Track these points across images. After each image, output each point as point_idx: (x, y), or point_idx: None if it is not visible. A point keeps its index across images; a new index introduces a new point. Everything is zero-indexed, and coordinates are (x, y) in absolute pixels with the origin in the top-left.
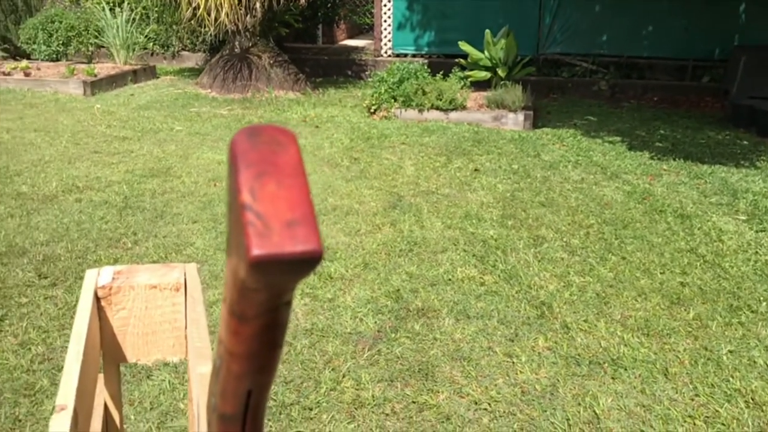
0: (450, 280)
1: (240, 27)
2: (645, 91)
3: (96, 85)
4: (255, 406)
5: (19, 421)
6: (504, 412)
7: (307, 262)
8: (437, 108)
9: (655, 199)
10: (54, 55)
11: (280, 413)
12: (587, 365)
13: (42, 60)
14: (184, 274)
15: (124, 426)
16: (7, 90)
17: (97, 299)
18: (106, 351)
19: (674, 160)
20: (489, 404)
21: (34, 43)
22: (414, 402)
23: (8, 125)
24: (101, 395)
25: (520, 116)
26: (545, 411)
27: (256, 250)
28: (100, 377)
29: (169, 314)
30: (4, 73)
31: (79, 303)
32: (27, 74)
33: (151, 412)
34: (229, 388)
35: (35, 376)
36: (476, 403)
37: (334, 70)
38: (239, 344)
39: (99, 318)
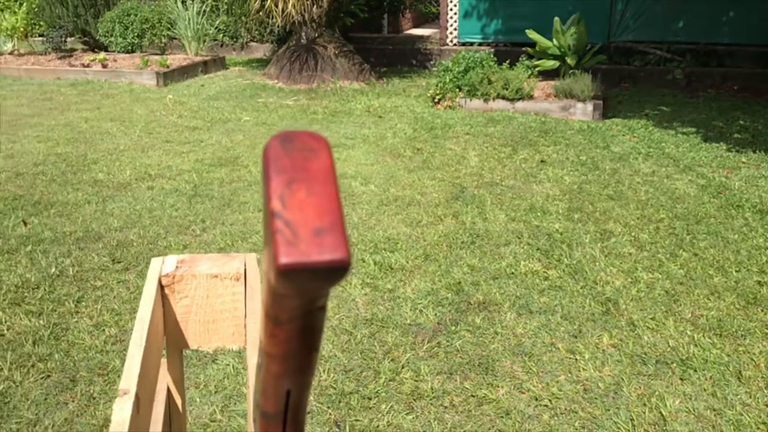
0: (513, 273)
1: (306, 18)
2: (724, 80)
3: (168, 76)
4: (295, 405)
5: (94, 398)
6: (565, 409)
7: (334, 271)
8: (503, 97)
9: (732, 193)
10: (129, 47)
11: (340, 401)
12: (654, 365)
13: (118, 52)
14: (244, 264)
15: (189, 408)
16: (86, 81)
17: (161, 287)
18: (170, 337)
19: (754, 152)
20: (550, 401)
21: (111, 35)
22: (473, 396)
23: (87, 115)
24: (164, 380)
25: (589, 106)
26: (608, 410)
27: (284, 259)
28: (164, 362)
29: (230, 303)
30: (83, 65)
31: (144, 290)
32: (104, 66)
33: (216, 396)
34: (269, 387)
35: (108, 356)
36: (537, 399)
37: (398, 59)
38: (275, 346)
39: (163, 305)
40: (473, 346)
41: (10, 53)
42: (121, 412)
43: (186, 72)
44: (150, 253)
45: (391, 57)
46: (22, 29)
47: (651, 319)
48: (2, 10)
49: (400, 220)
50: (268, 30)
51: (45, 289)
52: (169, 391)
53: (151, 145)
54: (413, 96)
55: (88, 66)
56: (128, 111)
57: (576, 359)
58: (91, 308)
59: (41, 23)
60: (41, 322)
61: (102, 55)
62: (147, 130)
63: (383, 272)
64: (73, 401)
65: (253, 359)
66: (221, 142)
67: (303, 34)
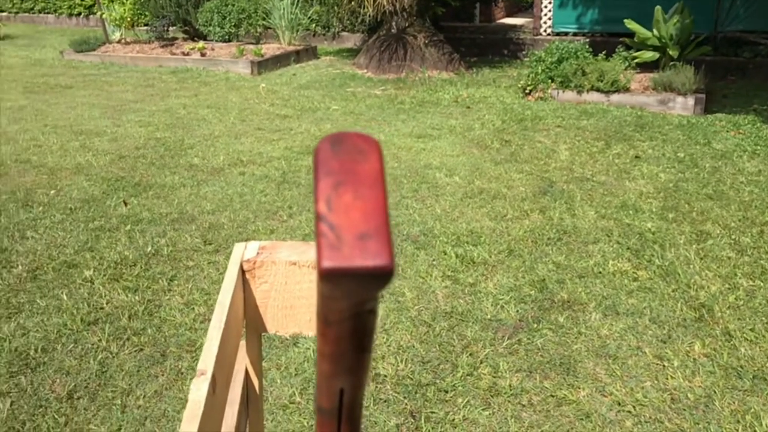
0: (600, 272)
1: (397, 7)
2: None
3: (262, 65)
4: (349, 403)
5: (181, 373)
6: (650, 417)
7: (377, 277)
8: (597, 90)
9: None
10: (227, 36)
11: (416, 392)
12: (750, 379)
13: (216, 41)
14: None
15: (270, 389)
16: (186, 69)
17: (242, 271)
18: (249, 321)
19: None
20: (633, 407)
21: (210, 25)
22: (553, 396)
23: (185, 101)
24: (243, 362)
25: (690, 100)
26: (697, 423)
27: (326, 263)
28: (242, 345)
29: (307, 290)
30: (183, 53)
31: (225, 274)
32: (203, 54)
33: (296, 378)
34: (323, 384)
35: (197, 334)
36: (619, 404)
37: (489, 49)
38: (325, 345)
39: (243, 289)
40: (555, 345)
41: (118, 42)
42: (198, 392)
43: (279, 61)
44: (239, 236)
45: (482, 47)
46: (128, 19)
47: (750, 330)
48: (112, 1)
49: (485, 213)
50: (359, 20)
51: (141, 267)
52: (247, 373)
53: (243, 132)
54: (503, 87)
55: (187, 54)
56: (223, 98)
57: (664, 366)
58: (183, 287)
59: (146, 13)
60: (137, 297)
61: (201, 44)
62: (240, 118)
63: (465, 265)
64: (162, 375)
65: None
66: (310, 131)
67: (393, 23)
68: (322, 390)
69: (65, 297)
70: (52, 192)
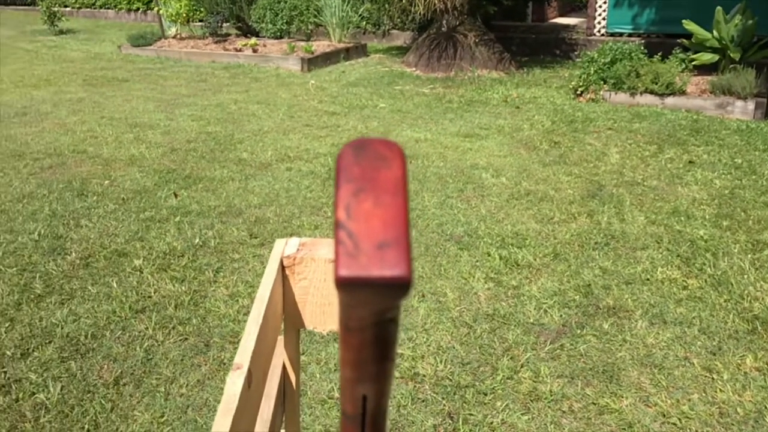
0: (648, 279)
1: (448, 5)
2: None
3: (312, 62)
4: (373, 410)
5: (224, 364)
6: (696, 431)
7: (394, 287)
8: (651, 92)
9: None
10: (278, 33)
11: (454, 393)
12: None
13: (268, 38)
14: None
15: (309, 384)
16: (238, 65)
17: (282, 267)
18: (288, 316)
19: None
20: (679, 419)
21: (262, 21)
22: (594, 403)
23: (236, 97)
24: (281, 357)
25: (750, 104)
26: None
27: (342, 271)
28: (280, 340)
29: None
30: (236, 49)
31: (266, 269)
32: (255, 50)
33: (335, 373)
34: (346, 390)
35: (239, 326)
36: (664, 416)
37: (541, 49)
38: (347, 352)
39: (282, 285)
40: (599, 352)
41: (173, 37)
42: (233, 386)
43: (329, 58)
44: (284, 230)
45: (534, 46)
46: (184, 15)
47: None
48: None
49: (531, 215)
50: (409, 18)
51: (189, 258)
52: (284, 368)
53: (292, 128)
54: (554, 87)
55: (240, 50)
56: (273, 95)
57: (713, 378)
58: (228, 279)
59: (201, 9)
60: (183, 288)
61: (253, 40)
62: (289, 114)
63: (509, 268)
64: (205, 364)
65: None
66: (357, 128)
67: (444, 22)
68: (346, 396)
69: (115, 285)
70: (106, 182)
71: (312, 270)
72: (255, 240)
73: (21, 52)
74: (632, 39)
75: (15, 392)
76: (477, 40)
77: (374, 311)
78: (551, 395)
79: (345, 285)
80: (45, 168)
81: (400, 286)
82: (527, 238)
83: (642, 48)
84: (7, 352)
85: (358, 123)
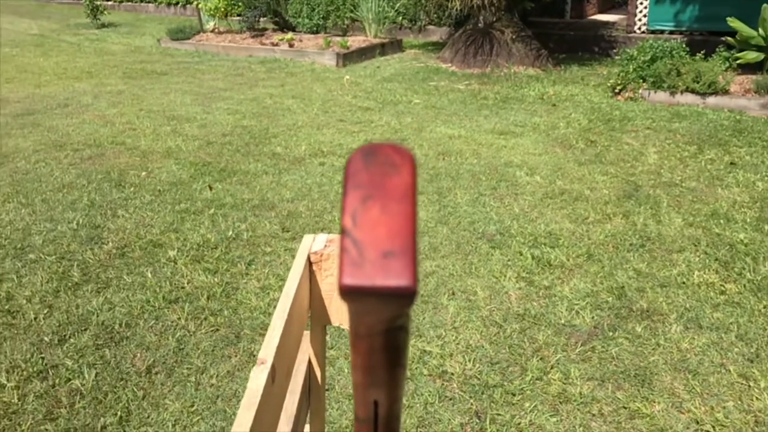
0: (684, 283)
1: (485, 1)
2: None
3: (347, 57)
4: (385, 415)
5: (253, 356)
6: None
7: (398, 297)
8: (692, 91)
9: None
10: (314, 28)
11: (482, 393)
12: None
13: (304, 32)
14: None
15: (337, 378)
16: (274, 59)
17: (309, 263)
18: (314, 312)
19: None
20: (713, 427)
21: (299, 16)
22: (625, 407)
23: (272, 91)
24: (306, 352)
25: None
26: None
27: (346, 279)
28: (306, 335)
29: None
30: (272, 44)
31: (293, 265)
32: (291, 45)
33: None
34: (357, 394)
35: (270, 318)
36: (697, 423)
37: (579, 46)
38: (357, 357)
39: (309, 281)
40: (631, 355)
41: (211, 31)
42: (256, 380)
43: (364, 53)
44: (316, 225)
45: (572, 43)
46: (222, 9)
47: None
48: None
49: (565, 215)
50: (446, 13)
51: (222, 250)
52: (310, 363)
53: (325, 123)
54: (592, 85)
55: (276, 45)
56: (308, 89)
57: (749, 386)
58: (260, 272)
59: (239, 4)
60: (216, 279)
61: (289, 35)
62: (323, 109)
63: (541, 268)
64: (235, 356)
65: None
66: (390, 124)
67: (481, 17)
68: (357, 400)
69: (150, 275)
70: (143, 174)
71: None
72: (287, 234)
73: (64, 44)
74: (674, 36)
75: (52, 378)
76: (514, 37)
77: (381, 319)
78: (581, 397)
79: (349, 294)
80: (85, 159)
81: (405, 297)
82: (560, 238)
83: (684, 46)
84: (45, 338)
85: (392, 119)
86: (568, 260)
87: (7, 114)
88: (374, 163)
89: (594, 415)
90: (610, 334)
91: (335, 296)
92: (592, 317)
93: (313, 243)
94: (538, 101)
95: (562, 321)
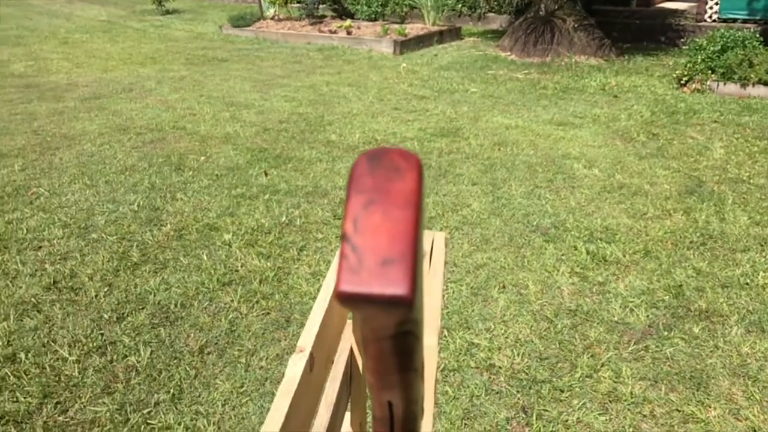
0: (747, 284)
1: None
2: None
3: (405, 45)
4: (401, 416)
5: None
6: None
7: (395, 305)
8: (765, 83)
9: None
10: (372, 15)
11: (530, 388)
12: None
13: (362, 20)
14: (432, 242)
15: None
16: (332, 47)
17: None
18: None
19: None
20: None
21: (357, 3)
22: (678, 410)
23: (328, 79)
24: (348, 341)
25: None
26: None
27: (342, 286)
28: (349, 323)
29: None
30: (330, 31)
31: (336, 254)
32: (349, 33)
33: None
34: (372, 394)
35: None
36: (755, 431)
37: (645, 35)
38: (367, 359)
39: None
40: (686, 356)
41: (271, 18)
42: (294, 368)
43: (421, 41)
44: None
45: (637, 32)
46: None
47: None
48: None
49: (623, 209)
50: (506, 1)
51: (275, 235)
52: (352, 352)
53: (380, 111)
54: (656, 76)
55: (334, 32)
56: (364, 77)
57: None
58: (311, 258)
59: None
60: (268, 264)
61: (348, 22)
62: (379, 97)
63: (596, 263)
64: (285, 339)
65: (426, 338)
66: (446, 113)
67: (542, 5)
68: (373, 400)
69: (205, 257)
70: (202, 158)
71: None
72: (338, 221)
73: (131, 31)
74: (747, 26)
75: (110, 354)
76: (576, 25)
77: (386, 325)
78: (632, 397)
79: (346, 301)
80: (147, 142)
81: (401, 305)
82: (617, 233)
83: (758, 36)
84: (105, 316)
85: (448, 107)
86: (625, 256)
87: (76, 98)
88: (379, 168)
89: (645, 416)
90: (666, 333)
91: None
92: (647, 316)
93: None
94: (599, 92)
95: (616, 318)
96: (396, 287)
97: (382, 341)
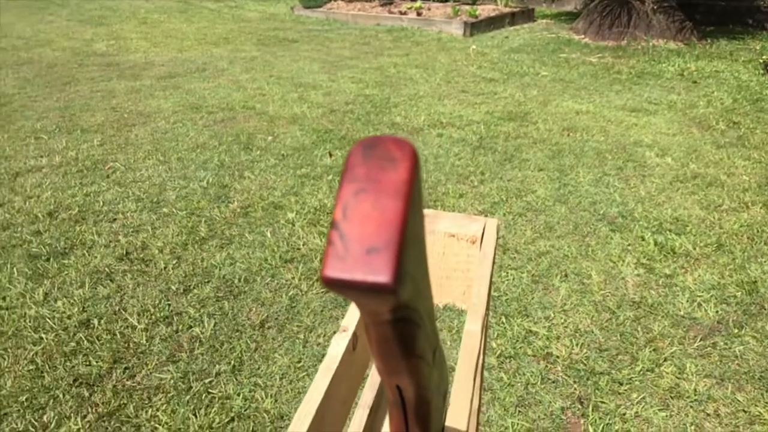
0: None
1: None
2: None
3: (475, 27)
4: (413, 401)
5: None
6: None
7: (378, 292)
8: None
9: None
10: None
11: (587, 379)
12: None
13: (433, 1)
14: (483, 228)
15: None
16: (401, 28)
17: None
18: None
19: None
20: None
21: None
22: (745, 411)
23: (396, 60)
24: None
25: None
26: None
27: (327, 271)
28: None
29: (463, 264)
30: (401, 12)
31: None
32: (419, 14)
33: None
34: (381, 378)
35: None
36: None
37: (730, 17)
38: (371, 344)
39: None
40: (757, 356)
41: None
42: (337, 346)
43: (493, 23)
44: (428, 197)
45: (722, 14)
46: None
47: None
48: None
49: (696, 200)
50: None
51: None
52: None
53: (447, 93)
54: (741, 61)
55: (404, 14)
56: (432, 59)
57: None
58: None
59: None
60: None
61: (418, 3)
62: (446, 79)
63: (663, 255)
64: (342, 318)
65: (470, 324)
66: (514, 96)
67: None
68: (384, 383)
69: (269, 235)
70: (270, 138)
71: (431, 242)
72: None
73: (206, 11)
74: None
75: (176, 324)
76: (655, 7)
77: (378, 311)
78: (695, 395)
79: (330, 285)
80: (218, 121)
81: (384, 292)
82: (688, 225)
83: None
84: (173, 287)
85: (516, 91)
86: (695, 249)
87: (153, 76)
88: (372, 157)
89: (708, 414)
90: (736, 331)
91: None
92: (716, 311)
93: None
94: (677, 77)
95: (682, 313)
96: (378, 275)
97: (380, 326)
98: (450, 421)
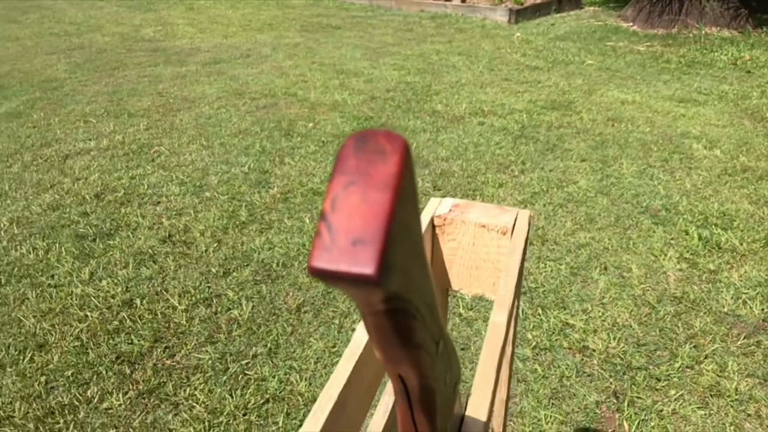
0: None
1: None
2: None
3: (520, 14)
4: (416, 390)
5: None
6: None
7: (362, 283)
8: None
9: None
10: None
11: (624, 373)
12: None
13: None
14: (515, 219)
15: (474, 340)
16: (445, 14)
17: (432, 226)
18: (435, 276)
19: None
20: None
21: None
22: None
23: (439, 47)
24: None
25: None
26: None
27: (313, 262)
28: None
29: (493, 254)
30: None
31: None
32: (463, 1)
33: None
34: (383, 366)
35: None
36: None
37: None
38: (369, 333)
39: (432, 244)
40: None
41: None
42: (362, 332)
43: (539, 10)
44: (467, 185)
45: None
46: None
47: None
48: None
49: (744, 194)
50: None
51: None
52: None
53: (489, 81)
54: None
55: (448, 0)
56: (476, 46)
57: None
58: None
59: None
60: None
61: None
62: (489, 67)
63: (708, 250)
64: None
65: (495, 316)
66: (558, 85)
67: None
68: (388, 373)
69: (307, 220)
70: (310, 125)
71: (462, 232)
72: (438, 192)
73: None
74: None
75: (215, 306)
76: None
77: (368, 301)
78: (736, 394)
79: (316, 276)
80: (260, 107)
81: (368, 283)
82: (735, 220)
83: None
84: (213, 270)
85: (561, 79)
86: (742, 244)
87: (198, 62)
88: (363, 150)
89: (749, 415)
90: None
91: (456, 260)
92: (762, 309)
93: (438, 206)
94: (729, 67)
95: (725, 309)
96: (362, 267)
97: (374, 317)
98: (471, 411)
